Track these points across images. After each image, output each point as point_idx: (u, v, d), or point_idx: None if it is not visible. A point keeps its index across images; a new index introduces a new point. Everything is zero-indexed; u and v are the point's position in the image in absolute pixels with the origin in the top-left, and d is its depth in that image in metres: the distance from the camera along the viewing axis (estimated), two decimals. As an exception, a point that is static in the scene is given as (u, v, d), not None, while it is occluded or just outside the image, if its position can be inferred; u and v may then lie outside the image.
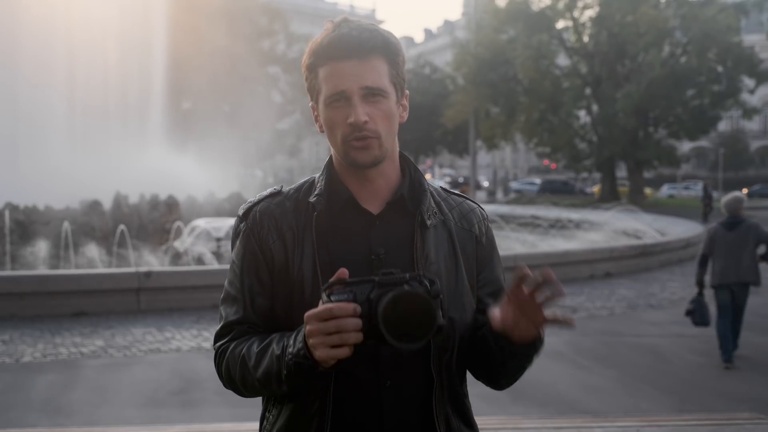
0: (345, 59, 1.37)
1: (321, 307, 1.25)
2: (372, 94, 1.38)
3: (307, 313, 1.27)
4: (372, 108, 1.38)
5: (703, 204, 26.70)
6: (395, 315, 1.19)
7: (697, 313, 7.20)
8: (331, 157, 1.51)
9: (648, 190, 49.96)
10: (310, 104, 1.48)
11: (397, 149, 1.50)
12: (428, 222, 1.46)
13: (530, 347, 1.39)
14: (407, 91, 1.49)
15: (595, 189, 42.62)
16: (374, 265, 1.41)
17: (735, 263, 7.00)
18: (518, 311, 1.34)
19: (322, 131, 1.46)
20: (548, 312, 1.32)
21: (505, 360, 1.42)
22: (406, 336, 1.19)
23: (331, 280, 1.29)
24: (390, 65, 1.41)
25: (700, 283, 7.25)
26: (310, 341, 1.25)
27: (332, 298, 1.25)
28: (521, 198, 40.16)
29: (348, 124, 1.38)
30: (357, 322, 1.23)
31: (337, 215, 1.45)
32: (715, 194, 30.28)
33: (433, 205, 1.50)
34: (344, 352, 1.24)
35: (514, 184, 56.40)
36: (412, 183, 1.50)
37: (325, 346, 1.23)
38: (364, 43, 1.37)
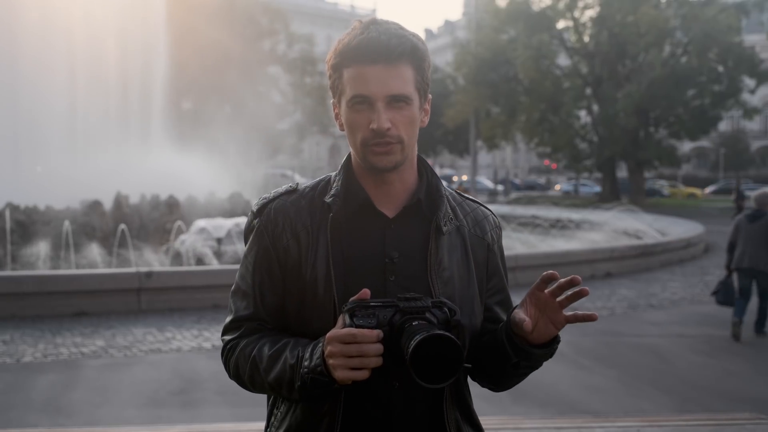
0: (371, 64, 1.36)
1: (344, 330, 1.26)
2: (396, 100, 1.38)
3: (330, 334, 1.28)
4: (395, 114, 1.38)
5: (735, 204, 27.49)
6: (424, 357, 1.20)
7: (720, 293, 7.99)
8: (349, 156, 1.50)
9: (698, 191, 48.89)
10: (331, 101, 1.48)
11: (416, 153, 1.50)
12: (444, 228, 1.45)
13: (548, 347, 1.40)
14: (430, 96, 1.48)
15: (673, 190, 41.87)
16: (387, 268, 1.41)
17: (751, 251, 7.77)
18: (538, 312, 1.35)
19: (342, 129, 1.45)
20: (569, 313, 1.34)
21: (519, 361, 1.42)
22: (433, 377, 1.22)
23: (353, 299, 1.30)
24: (416, 71, 1.41)
25: (728, 267, 8.03)
26: (331, 361, 1.27)
27: (356, 321, 1.27)
28: (522, 199, 40.16)
29: (370, 129, 1.37)
30: (379, 348, 1.25)
31: (353, 217, 1.44)
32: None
33: (449, 210, 1.49)
34: (363, 375, 1.26)
35: (564, 185, 54.48)
36: (429, 187, 1.49)
37: (345, 368, 1.25)
38: (392, 49, 1.37)
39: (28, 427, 4.89)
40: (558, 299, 1.32)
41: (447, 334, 1.21)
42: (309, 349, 1.33)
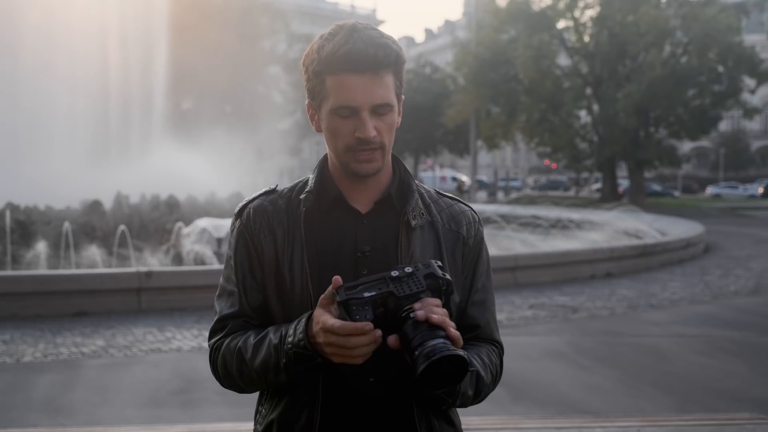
0: (358, 74, 1.39)
1: (347, 324, 1.27)
2: (380, 109, 1.41)
3: (327, 325, 1.29)
4: (378, 121, 1.42)
5: None
6: (434, 373, 1.24)
7: None
8: (325, 157, 1.54)
9: None
10: (306, 102, 1.50)
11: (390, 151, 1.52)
12: (413, 222, 1.48)
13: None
14: (403, 96, 1.51)
15: None
16: (359, 262, 1.45)
17: None
18: None
19: (319, 130, 1.49)
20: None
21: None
22: (438, 385, 1.26)
23: (344, 289, 1.31)
24: (396, 77, 1.44)
25: None
26: (328, 350, 1.30)
27: (352, 316, 1.28)
28: (522, 199, 40.10)
29: (355, 137, 1.41)
30: (375, 340, 1.28)
31: (326, 213, 1.49)
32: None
33: (421, 206, 1.52)
34: (358, 361, 1.29)
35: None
36: (400, 183, 1.53)
37: (341, 356, 1.29)
38: (380, 60, 1.39)
39: (28, 427, 4.90)
40: None
41: (461, 354, 1.23)
42: (292, 326, 1.37)
